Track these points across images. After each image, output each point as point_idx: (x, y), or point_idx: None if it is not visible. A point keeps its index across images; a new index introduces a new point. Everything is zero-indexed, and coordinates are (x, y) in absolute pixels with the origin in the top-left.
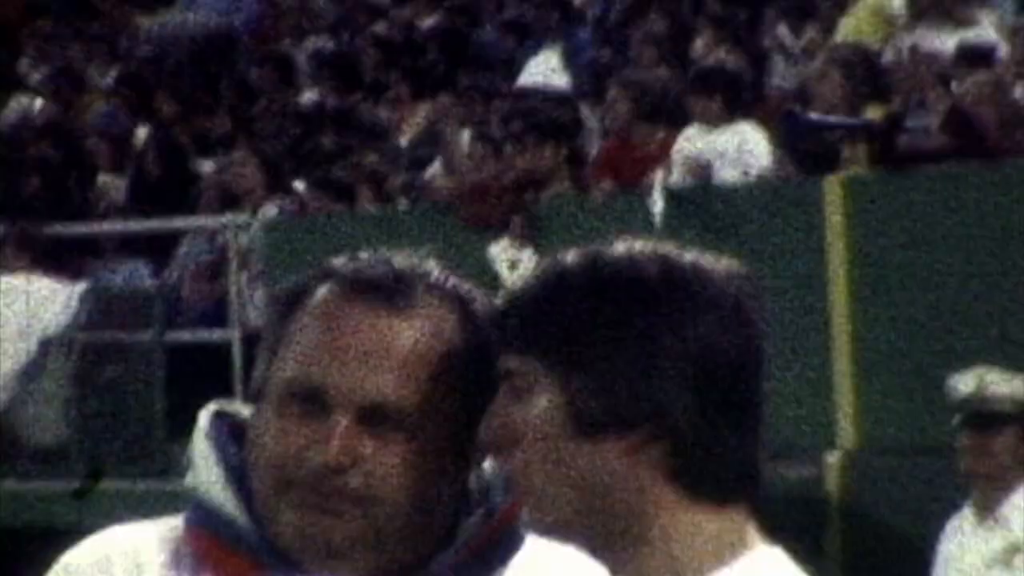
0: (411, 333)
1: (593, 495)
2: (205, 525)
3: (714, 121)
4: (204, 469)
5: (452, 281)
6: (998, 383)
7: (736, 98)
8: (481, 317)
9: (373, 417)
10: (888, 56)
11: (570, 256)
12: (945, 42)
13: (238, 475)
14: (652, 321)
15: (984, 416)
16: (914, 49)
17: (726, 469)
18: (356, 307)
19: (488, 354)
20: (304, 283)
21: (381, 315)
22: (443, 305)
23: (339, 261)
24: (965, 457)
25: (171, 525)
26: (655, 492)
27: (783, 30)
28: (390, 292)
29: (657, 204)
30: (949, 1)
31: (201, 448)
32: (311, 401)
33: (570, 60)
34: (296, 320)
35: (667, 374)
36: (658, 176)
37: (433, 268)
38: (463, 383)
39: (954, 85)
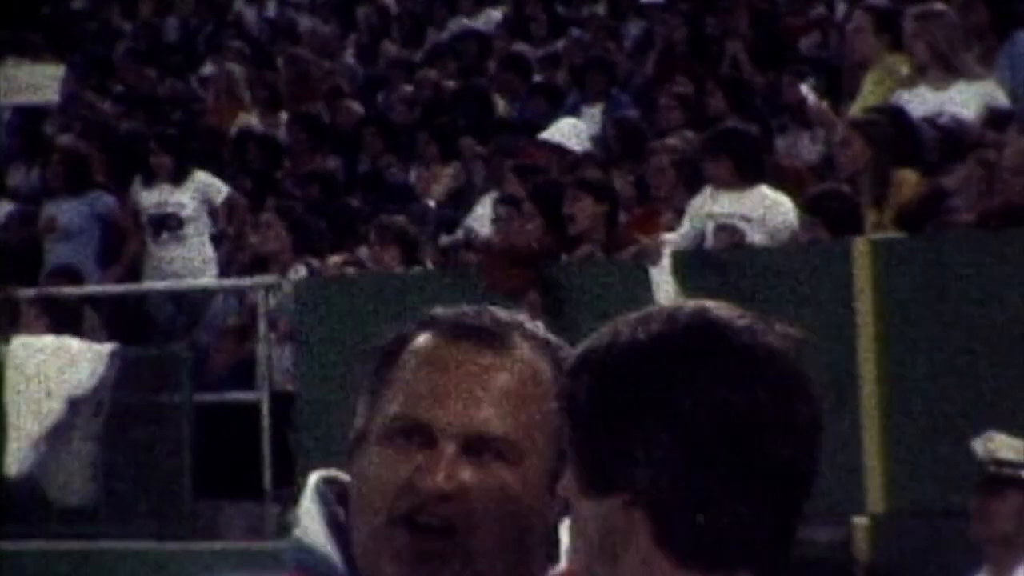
0: (509, 371)
1: (602, 552)
2: (312, 570)
3: (727, 184)
4: (309, 523)
5: (543, 331)
6: (1006, 447)
7: (749, 161)
8: None
9: (476, 447)
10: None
11: (598, 331)
12: (954, 98)
13: (341, 533)
14: (636, 391)
15: (993, 480)
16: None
17: (720, 535)
18: (457, 349)
19: None
20: (405, 333)
21: (482, 355)
22: (537, 350)
23: (439, 311)
24: (974, 521)
25: None
26: (648, 555)
27: (807, 95)
28: (489, 335)
29: (663, 274)
30: (952, 57)
31: (307, 505)
32: (417, 435)
33: (609, 122)
34: (398, 366)
35: (644, 444)
36: (665, 245)
37: (526, 319)
38: (556, 424)
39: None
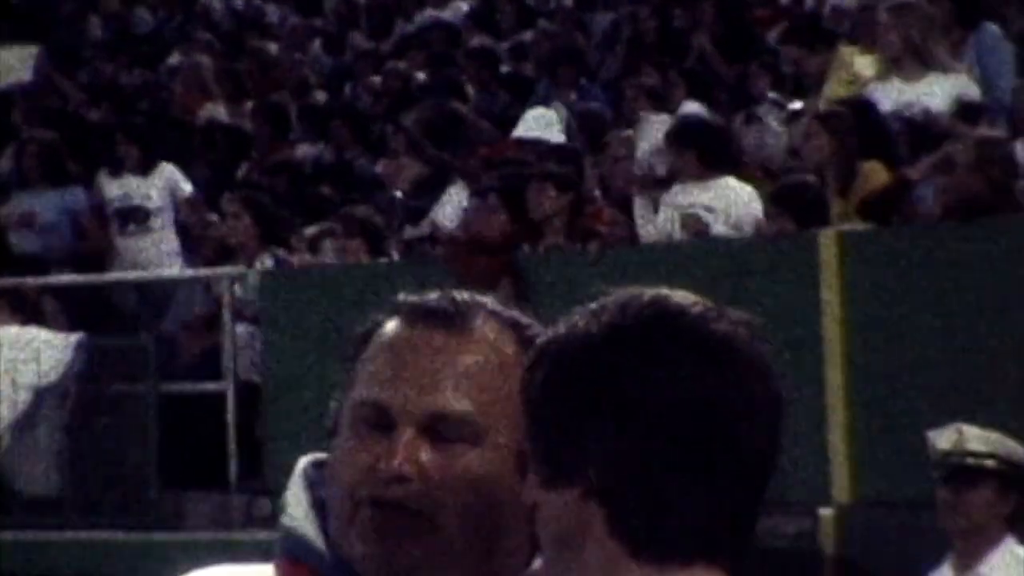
0: (468, 350)
1: (562, 545)
2: (294, 555)
3: (693, 176)
4: (294, 509)
5: (509, 311)
6: (976, 439)
7: (712, 152)
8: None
9: (435, 428)
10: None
11: (558, 322)
12: (930, 93)
13: (323, 512)
14: (587, 382)
15: (962, 471)
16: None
17: (674, 526)
18: (416, 332)
19: None
20: (376, 321)
21: (439, 337)
22: (501, 329)
23: (405, 297)
24: (943, 512)
25: (265, 567)
26: (603, 547)
27: (772, 123)
28: (448, 317)
29: None
30: (925, 49)
31: (293, 490)
32: (378, 420)
33: (577, 113)
34: (366, 353)
35: (595, 435)
36: None
37: (490, 301)
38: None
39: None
